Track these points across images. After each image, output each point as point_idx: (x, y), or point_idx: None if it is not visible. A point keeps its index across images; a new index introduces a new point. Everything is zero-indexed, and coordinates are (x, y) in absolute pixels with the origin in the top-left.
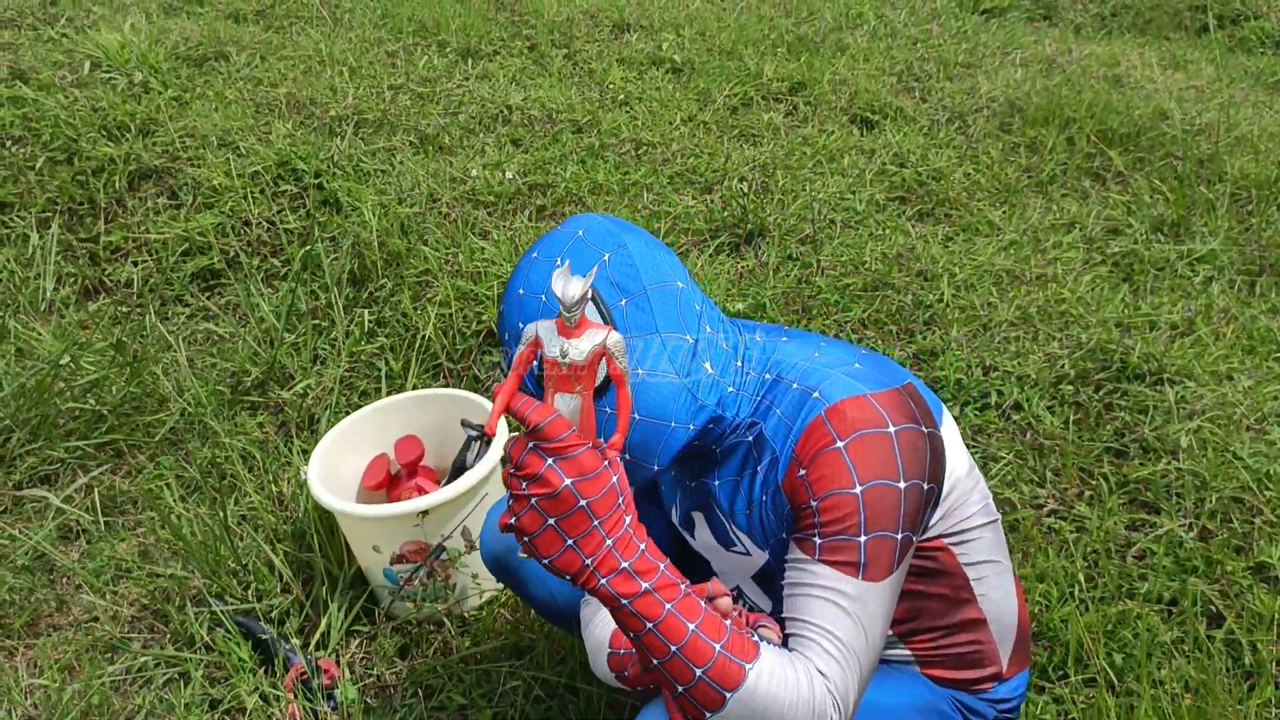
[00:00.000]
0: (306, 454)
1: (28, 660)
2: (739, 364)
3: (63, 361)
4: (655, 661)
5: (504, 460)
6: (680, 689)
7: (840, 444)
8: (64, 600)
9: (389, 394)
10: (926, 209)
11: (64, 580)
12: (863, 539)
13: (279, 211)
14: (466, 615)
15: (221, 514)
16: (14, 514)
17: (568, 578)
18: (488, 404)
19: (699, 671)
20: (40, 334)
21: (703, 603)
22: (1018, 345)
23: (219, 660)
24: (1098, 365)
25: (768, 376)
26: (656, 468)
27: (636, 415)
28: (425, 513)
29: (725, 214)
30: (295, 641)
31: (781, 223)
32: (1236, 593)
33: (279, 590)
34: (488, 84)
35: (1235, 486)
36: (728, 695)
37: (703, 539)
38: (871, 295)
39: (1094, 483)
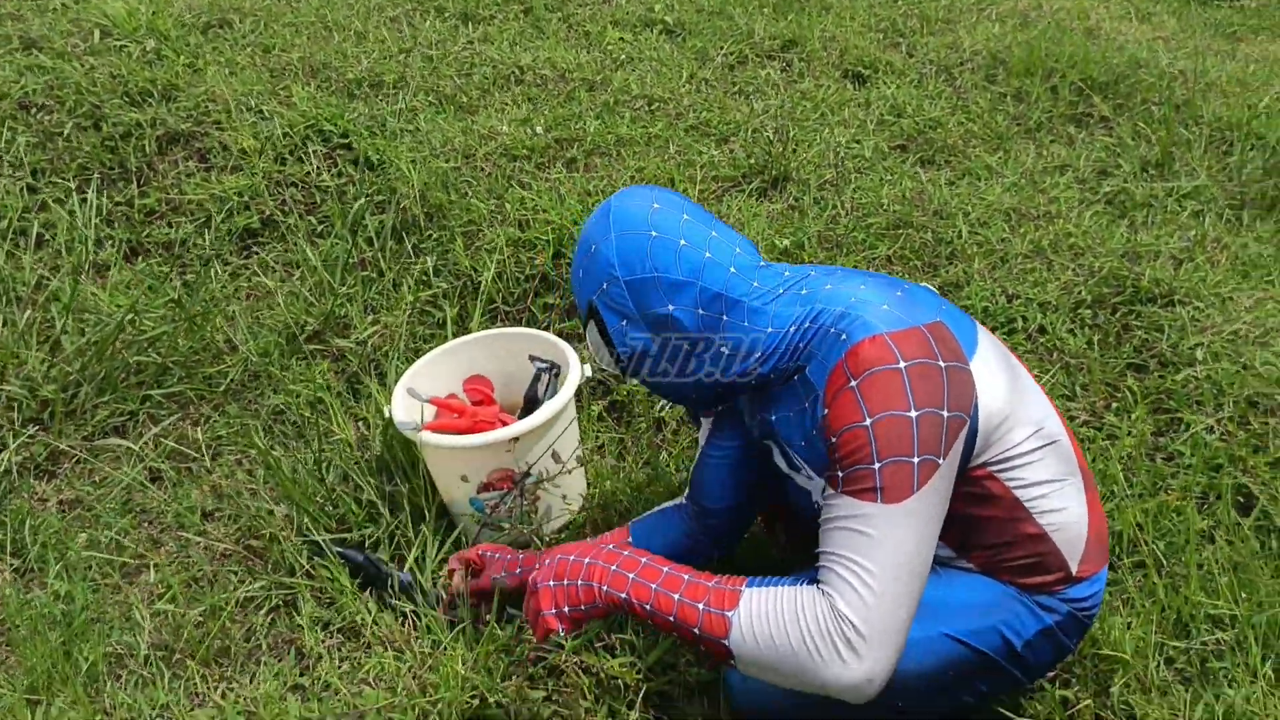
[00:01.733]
0: (375, 398)
1: (138, 593)
2: (769, 329)
3: (126, 319)
4: (665, 636)
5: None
6: (699, 649)
7: (854, 383)
8: (157, 541)
9: (451, 339)
10: (927, 156)
11: (150, 523)
12: (877, 465)
13: (309, 172)
14: (550, 538)
15: (316, 446)
16: (90, 464)
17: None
18: (552, 338)
19: (696, 630)
20: (94, 293)
21: (684, 575)
22: (1035, 275)
23: (323, 586)
24: (1112, 290)
25: (808, 325)
26: (700, 407)
27: (658, 391)
28: (516, 439)
29: (750, 161)
30: (393, 565)
31: (801, 169)
32: (1261, 483)
33: (367, 521)
34: (492, 46)
35: (1249, 392)
36: (725, 642)
37: (777, 463)
38: (895, 234)
39: (1120, 395)
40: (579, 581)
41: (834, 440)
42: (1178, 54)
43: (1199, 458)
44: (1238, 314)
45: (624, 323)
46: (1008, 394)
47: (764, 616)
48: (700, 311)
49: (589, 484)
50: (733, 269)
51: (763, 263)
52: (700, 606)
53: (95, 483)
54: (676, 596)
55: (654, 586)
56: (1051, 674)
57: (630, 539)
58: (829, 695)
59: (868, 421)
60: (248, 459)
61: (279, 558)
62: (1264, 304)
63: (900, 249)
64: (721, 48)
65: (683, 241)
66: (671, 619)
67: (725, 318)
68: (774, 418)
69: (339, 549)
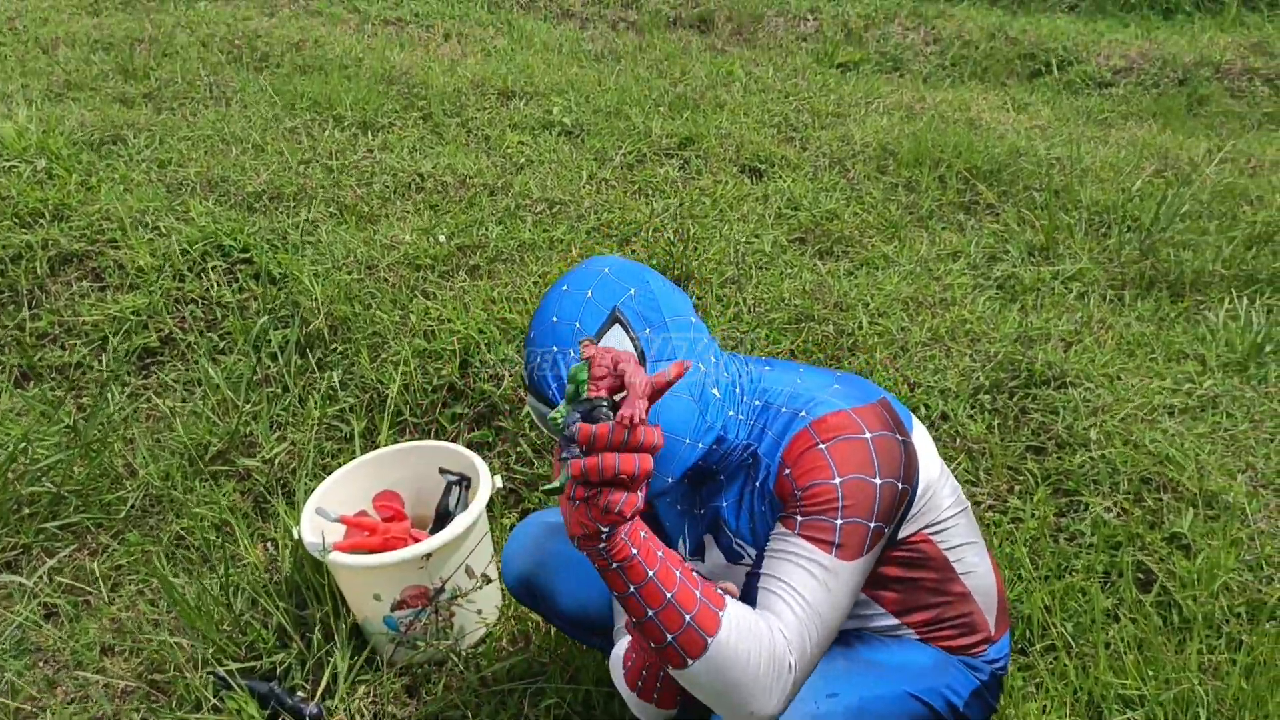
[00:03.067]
0: (283, 518)
1: None
2: (737, 391)
3: (18, 449)
4: (650, 612)
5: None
6: (670, 637)
7: (822, 445)
8: (53, 682)
9: (360, 454)
10: (825, 247)
11: (46, 662)
12: (839, 521)
13: (209, 289)
14: (466, 653)
15: (222, 571)
16: None
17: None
18: (462, 450)
19: (688, 617)
20: None
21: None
22: (935, 363)
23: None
24: (1008, 374)
25: (757, 403)
26: (670, 480)
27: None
28: (429, 555)
29: (653, 262)
30: (302, 693)
31: (701, 267)
32: (1158, 559)
33: (277, 647)
34: (392, 154)
35: (1142, 470)
36: (708, 639)
37: (712, 560)
38: (797, 327)
39: (1022, 478)
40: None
41: (798, 493)
42: (1054, 141)
43: (1100, 537)
44: (1126, 394)
45: (648, 330)
46: (939, 463)
47: (746, 628)
48: (705, 337)
49: (504, 595)
50: (704, 340)
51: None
52: (698, 594)
53: None
54: (679, 574)
55: (659, 554)
56: None
57: None
58: None
59: (837, 480)
60: (150, 588)
61: (184, 692)
62: (1149, 384)
63: (803, 343)
64: (620, 147)
65: (677, 296)
66: (668, 596)
67: (713, 359)
68: (723, 504)
69: (246, 681)
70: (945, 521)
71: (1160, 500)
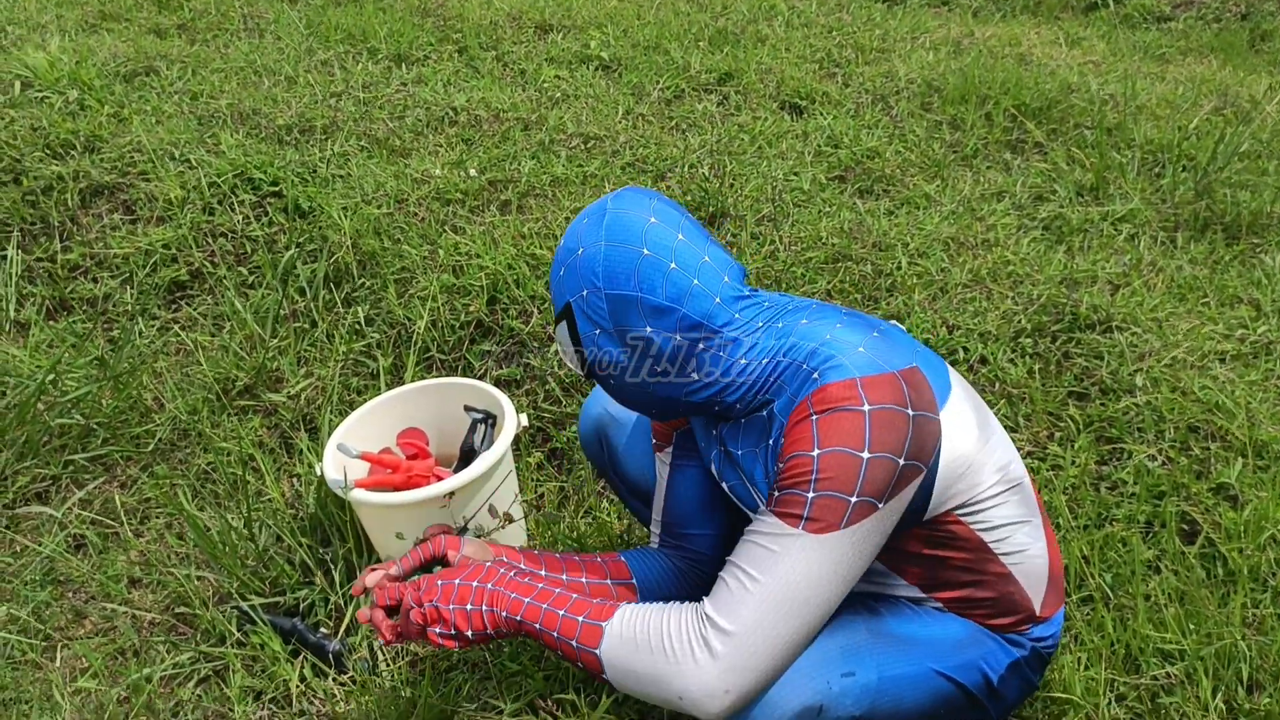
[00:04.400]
0: (306, 454)
1: (59, 671)
2: (743, 360)
3: (48, 380)
4: (552, 651)
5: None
6: (576, 664)
7: (814, 416)
8: (80, 613)
9: (385, 390)
10: (865, 186)
11: (74, 593)
12: (811, 495)
13: (238, 222)
14: None
15: (245, 508)
16: (9, 535)
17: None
18: (488, 388)
19: (574, 643)
20: (13, 354)
21: (566, 593)
22: (975, 305)
23: (254, 654)
24: (1051, 318)
25: (781, 360)
26: (654, 417)
27: (620, 397)
28: (451, 494)
29: (687, 198)
30: (325, 630)
31: (737, 204)
32: (1203, 510)
33: (301, 584)
34: (426, 88)
35: (1189, 418)
36: (597, 652)
37: (734, 500)
38: (834, 267)
39: (1063, 424)
40: (482, 607)
41: (781, 465)
42: (1108, 78)
43: (1142, 486)
44: (1175, 339)
45: (597, 332)
46: (977, 440)
47: (633, 623)
48: (678, 338)
49: (529, 535)
50: (717, 299)
51: (747, 292)
52: (580, 619)
53: (15, 554)
54: (562, 613)
55: (544, 606)
56: (1015, 710)
57: (621, 554)
58: (689, 713)
59: (815, 452)
60: (176, 522)
61: (208, 626)
62: (1199, 328)
63: (840, 282)
64: (658, 82)
65: (673, 265)
66: (555, 635)
67: (702, 346)
68: (739, 452)
69: (269, 617)
70: (984, 502)
71: (1207, 449)
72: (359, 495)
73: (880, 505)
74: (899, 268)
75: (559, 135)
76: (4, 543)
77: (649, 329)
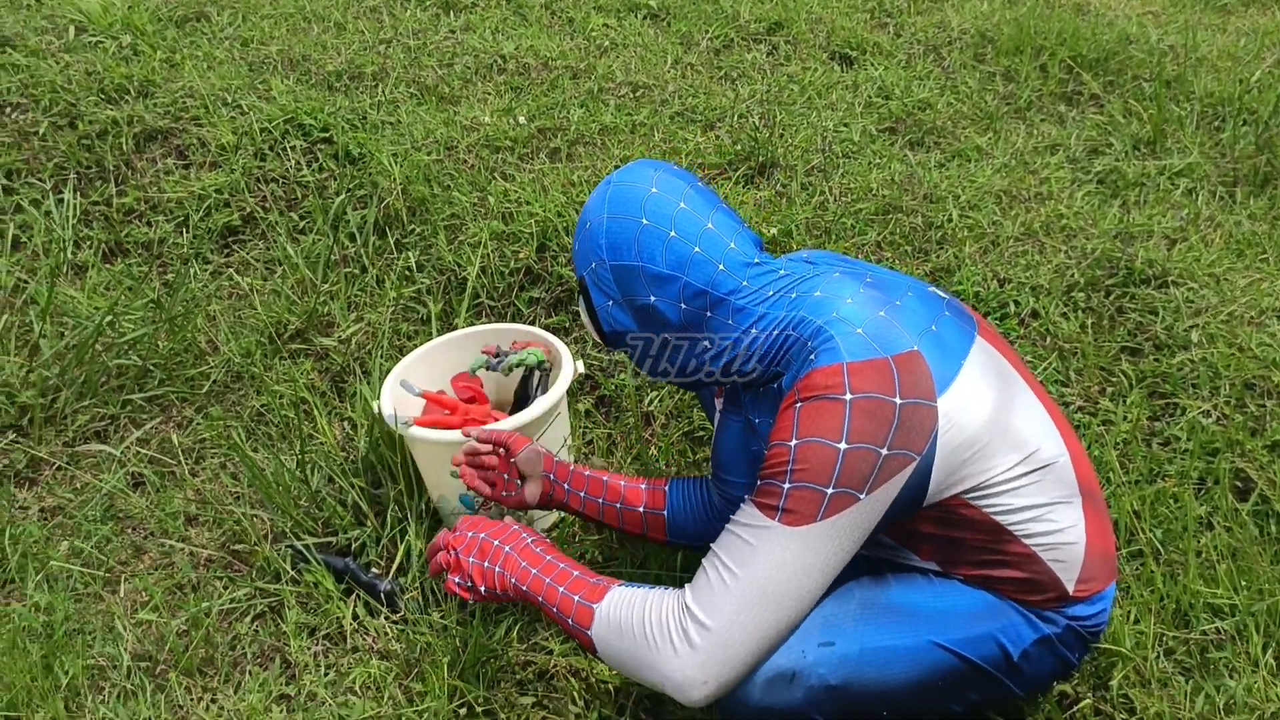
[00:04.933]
0: (358, 397)
1: (120, 603)
2: (753, 331)
3: (106, 321)
4: (553, 622)
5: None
6: (573, 640)
7: (798, 404)
8: (140, 549)
9: (436, 335)
10: (916, 138)
11: (133, 529)
12: (786, 486)
13: (289, 168)
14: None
15: (298, 450)
16: (70, 471)
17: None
18: (546, 335)
19: (570, 621)
20: (72, 295)
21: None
22: (1027, 259)
23: (308, 592)
24: (1105, 272)
25: (790, 334)
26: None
27: (641, 365)
28: None
29: (736, 148)
30: (376, 570)
31: (787, 154)
32: (1258, 468)
33: (353, 524)
34: (474, 35)
35: (1246, 374)
36: (588, 632)
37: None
38: (884, 219)
39: (1115, 380)
40: (496, 568)
41: (765, 451)
42: (1168, 29)
43: (1196, 442)
44: (1233, 294)
45: (609, 303)
46: (990, 421)
47: (620, 609)
48: (683, 306)
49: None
50: (721, 266)
51: (758, 259)
52: (575, 598)
53: (76, 490)
54: (561, 589)
55: (547, 580)
56: (1050, 690)
57: (666, 484)
58: (674, 693)
59: (793, 442)
60: (231, 463)
61: (263, 563)
62: (1258, 284)
63: (890, 234)
64: (706, 31)
65: (672, 233)
66: (555, 610)
67: (709, 314)
68: (757, 420)
69: (322, 556)
70: (999, 486)
71: (1263, 406)
72: (417, 433)
73: (861, 496)
74: (950, 220)
75: (607, 84)
76: (65, 479)
77: (653, 298)
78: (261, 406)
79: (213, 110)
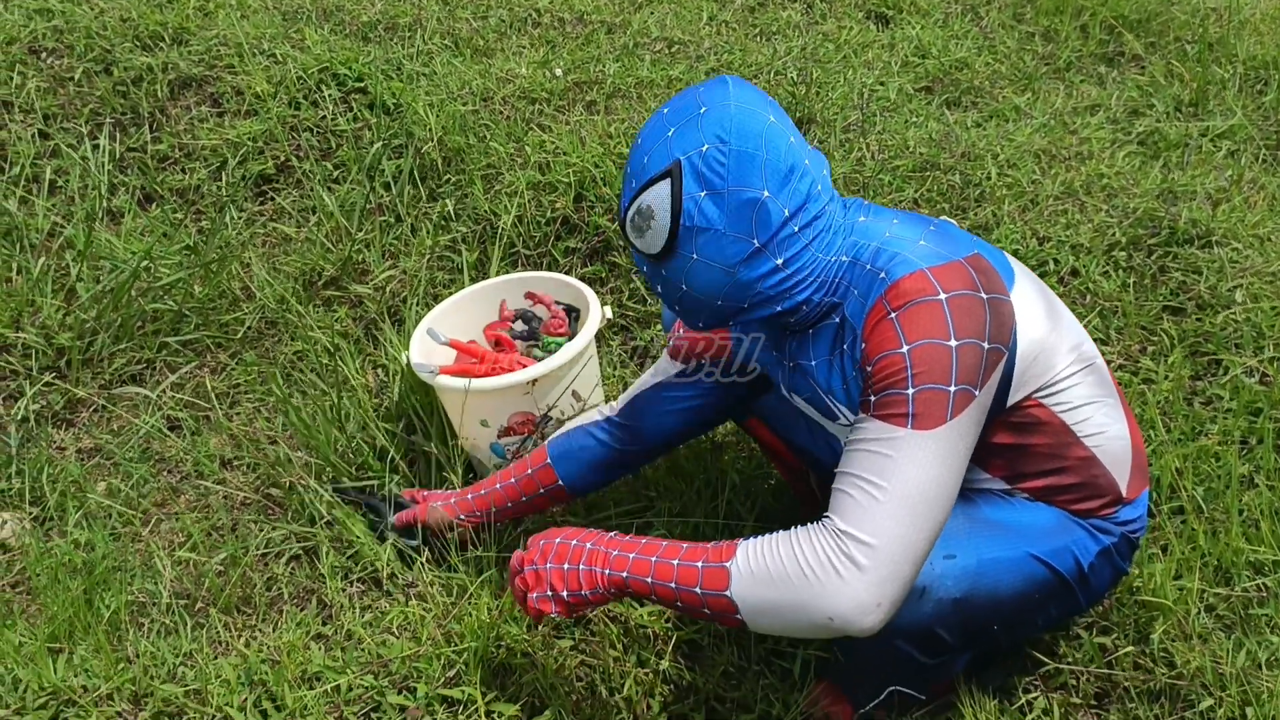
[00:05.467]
0: (392, 345)
1: (159, 542)
2: (820, 255)
3: (142, 266)
4: (678, 604)
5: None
6: (706, 613)
7: (893, 314)
8: (177, 490)
9: (469, 284)
10: (953, 97)
11: (169, 471)
12: (910, 391)
13: (324, 117)
14: None
15: (335, 393)
16: (108, 413)
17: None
18: (573, 282)
19: (699, 590)
20: (108, 240)
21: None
22: (1068, 217)
23: (341, 535)
24: (1147, 231)
25: (844, 259)
26: (700, 325)
27: (684, 287)
28: (534, 381)
29: None
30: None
31: (824, 110)
32: None
33: (390, 469)
34: None
35: None
36: (728, 594)
37: (809, 411)
38: (922, 176)
39: (1156, 339)
40: (580, 566)
41: (869, 369)
42: None
43: (1239, 401)
44: (1277, 254)
45: (703, 194)
46: (1046, 322)
47: (761, 556)
48: (785, 210)
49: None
50: (819, 186)
51: (833, 192)
52: (699, 565)
53: (114, 431)
54: (676, 562)
55: (654, 559)
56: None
57: (549, 458)
58: (840, 634)
59: (905, 348)
60: (266, 407)
61: (298, 506)
62: None
63: (927, 191)
64: None
65: (792, 138)
66: (673, 585)
67: (796, 229)
68: (812, 363)
69: (337, 491)
70: (1062, 383)
71: None
72: (444, 380)
73: (977, 392)
74: (988, 178)
75: (643, 39)
76: (103, 420)
77: (765, 192)
78: (295, 353)
79: (247, 59)
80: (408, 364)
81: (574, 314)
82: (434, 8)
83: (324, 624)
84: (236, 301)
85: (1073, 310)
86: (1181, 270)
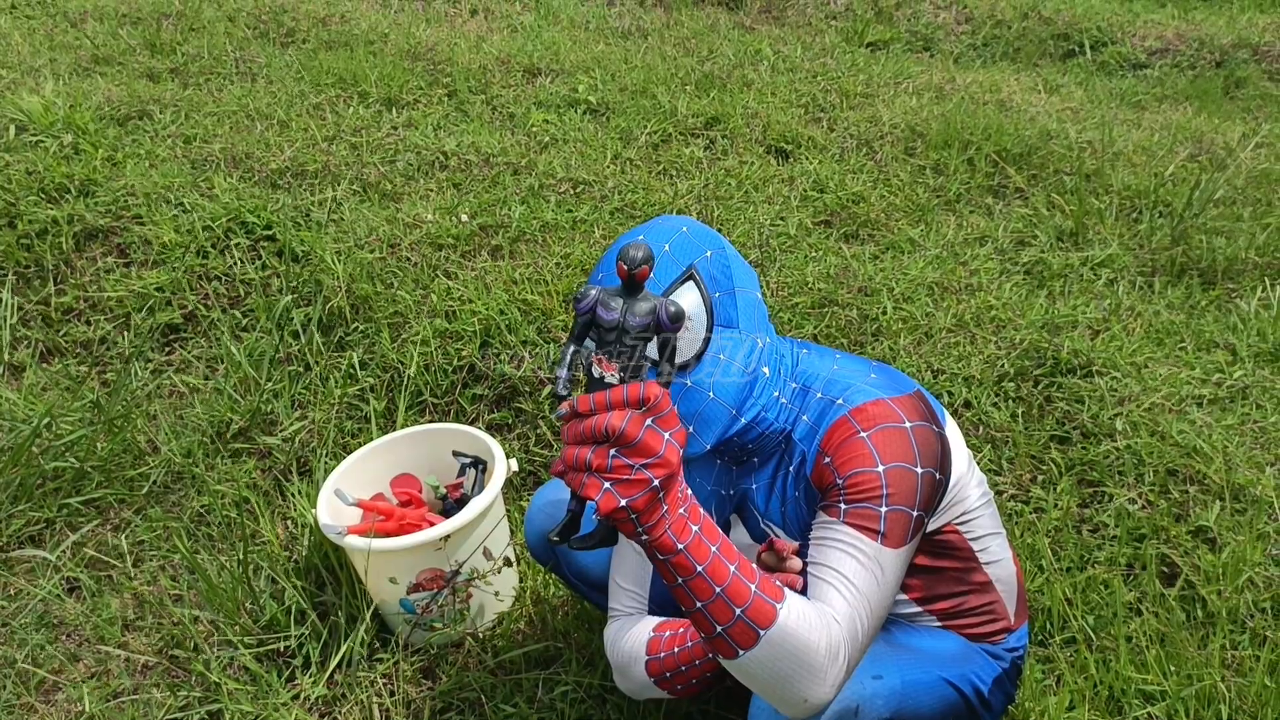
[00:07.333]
0: (298, 497)
1: (55, 715)
2: (782, 372)
3: (43, 423)
4: (699, 604)
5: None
6: (719, 629)
7: (864, 434)
8: (75, 655)
9: (377, 434)
10: (851, 230)
11: (68, 636)
12: (883, 509)
13: (232, 266)
14: (482, 635)
15: (241, 551)
16: (3, 578)
17: (639, 528)
18: (477, 433)
19: (738, 611)
20: (8, 397)
21: (731, 553)
22: (959, 350)
23: (249, 690)
24: (1033, 363)
25: (795, 385)
26: (708, 446)
27: (711, 395)
28: (446, 538)
29: None
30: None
31: None
32: (1183, 553)
33: (296, 624)
34: (416, 132)
35: (1168, 461)
36: (761, 632)
37: (737, 539)
38: (821, 312)
39: (1045, 468)
40: (663, 511)
41: (839, 482)
42: (1086, 125)
43: (1123, 529)
44: (1154, 383)
45: (717, 295)
46: (968, 455)
47: (799, 625)
48: (766, 339)
49: (521, 578)
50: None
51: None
52: (753, 588)
53: (9, 597)
54: (732, 568)
55: (713, 547)
56: None
57: None
58: (792, 713)
59: (880, 468)
60: (170, 564)
61: (202, 670)
62: (1177, 373)
63: (826, 327)
64: (645, 126)
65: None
66: (719, 589)
67: (758, 355)
68: (753, 485)
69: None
70: (973, 512)
71: (1186, 493)
72: (352, 541)
73: (928, 517)
74: (884, 312)
75: (548, 180)
76: None
77: (755, 294)
78: (202, 508)
79: (154, 208)
80: (316, 524)
81: (480, 466)
82: (343, 153)
83: None
84: (142, 456)
85: (967, 441)
86: (1066, 400)
